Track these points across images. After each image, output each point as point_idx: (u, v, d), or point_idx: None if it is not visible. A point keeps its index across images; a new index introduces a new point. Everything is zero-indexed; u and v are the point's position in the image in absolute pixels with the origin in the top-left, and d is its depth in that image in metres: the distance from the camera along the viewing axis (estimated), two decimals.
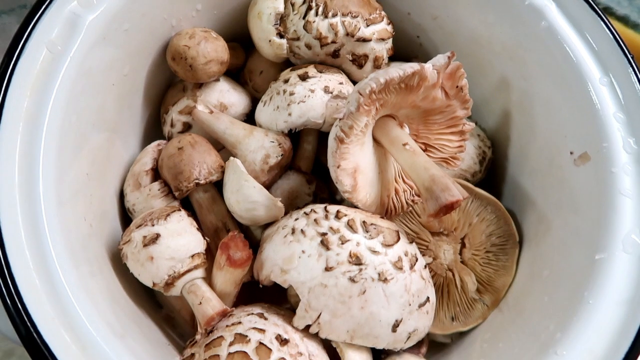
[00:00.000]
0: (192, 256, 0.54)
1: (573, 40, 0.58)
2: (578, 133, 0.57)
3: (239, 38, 0.72)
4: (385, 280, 0.51)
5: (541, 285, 0.58)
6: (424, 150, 0.59)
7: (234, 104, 0.68)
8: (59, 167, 0.48)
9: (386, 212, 0.60)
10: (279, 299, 0.59)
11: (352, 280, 0.50)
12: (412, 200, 0.61)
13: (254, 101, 0.69)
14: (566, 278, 0.54)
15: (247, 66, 0.73)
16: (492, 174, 0.72)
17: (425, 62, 0.53)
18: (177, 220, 0.55)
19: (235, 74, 0.73)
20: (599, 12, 0.57)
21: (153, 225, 0.53)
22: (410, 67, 0.51)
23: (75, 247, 0.48)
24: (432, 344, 0.64)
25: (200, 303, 0.53)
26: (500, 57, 0.66)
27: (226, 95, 0.67)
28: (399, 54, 0.70)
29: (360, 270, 0.50)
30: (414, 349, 0.59)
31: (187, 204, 0.62)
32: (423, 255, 0.62)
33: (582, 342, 0.47)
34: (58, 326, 0.42)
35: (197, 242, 0.55)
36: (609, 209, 0.52)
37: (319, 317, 0.50)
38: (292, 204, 0.63)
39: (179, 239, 0.54)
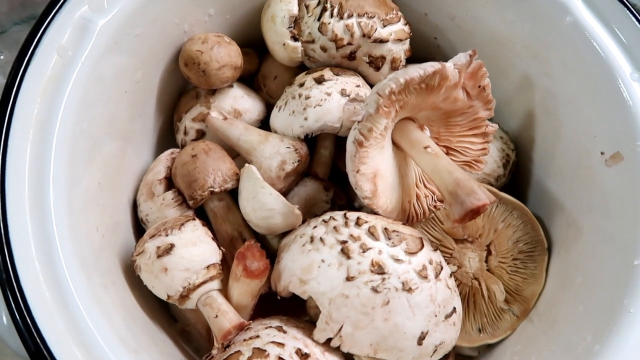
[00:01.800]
0: (208, 267, 0.52)
1: (600, 35, 0.55)
2: (609, 132, 0.55)
3: (252, 43, 0.71)
4: (409, 290, 0.48)
5: (574, 293, 0.55)
6: (446, 154, 0.57)
7: (248, 110, 0.66)
8: (70, 175, 0.47)
9: (407, 218, 0.58)
10: (298, 311, 0.57)
11: (374, 290, 0.48)
12: (435, 206, 0.59)
13: (269, 107, 0.68)
14: (602, 285, 0.51)
15: (261, 71, 0.72)
16: (516, 178, 0.70)
17: None
18: (192, 229, 0.53)
19: (249, 79, 0.72)
20: (627, 4, 0.55)
21: (167, 235, 0.52)
22: (430, 66, 0.50)
23: (87, 259, 0.47)
24: (458, 357, 0.61)
25: (217, 316, 0.51)
26: (522, 56, 0.64)
27: (240, 102, 0.66)
28: (415, 56, 0.67)
29: (383, 279, 0.48)
30: None
31: (201, 213, 0.61)
32: (447, 263, 0.60)
33: (623, 354, 0.44)
34: (69, 341, 0.40)
35: (212, 252, 0.53)
36: None
37: (340, 329, 0.48)
38: (310, 212, 0.62)
39: (194, 249, 0.52)
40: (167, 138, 0.69)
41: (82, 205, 0.49)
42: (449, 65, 0.51)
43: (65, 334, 0.40)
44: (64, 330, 0.40)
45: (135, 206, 0.62)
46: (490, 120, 0.57)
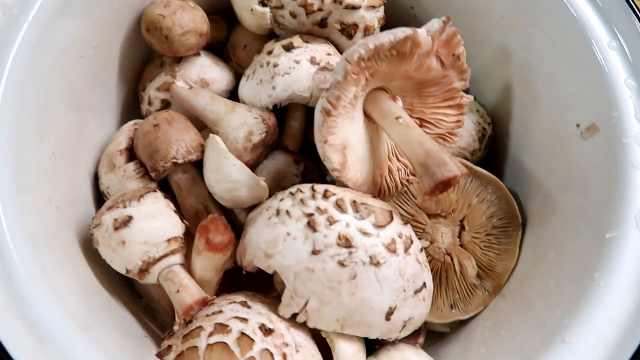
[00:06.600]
0: (168, 240, 0.51)
1: (578, 2, 0.53)
2: (585, 103, 0.53)
3: (221, 11, 0.68)
4: (377, 264, 0.47)
5: (546, 268, 0.54)
6: (420, 126, 0.55)
7: (215, 80, 0.64)
8: (17, 143, 0.44)
9: (379, 192, 0.56)
10: (266, 287, 0.55)
11: (341, 264, 0.46)
12: (407, 180, 0.58)
13: (239, 78, 0.65)
14: (574, 260, 0.50)
15: (230, 40, 0.69)
16: (492, 153, 0.68)
17: None
18: (152, 201, 0.51)
19: (219, 49, 0.70)
20: None
21: (125, 207, 0.50)
22: (401, 32, 0.48)
23: (37, 233, 0.45)
24: (430, 334, 0.61)
25: (178, 291, 0.50)
26: (500, 26, 0.62)
27: (207, 71, 0.63)
28: (390, 27, 0.64)
29: (350, 253, 0.47)
30: (411, 338, 0.55)
31: (166, 187, 0.58)
32: (419, 238, 0.59)
33: (592, 327, 0.43)
34: (10, 314, 0.38)
35: (173, 226, 0.52)
36: (620, 183, 0.48)
37: (306, 304, 0.47)
38: (279, 186, 0.60)
39: (154, 221, 0.50)
40: (132, 109, 0.66)
41: (33, 175, 0.46)
42: (422, 31, 0.49)
43: (7, 307, 0.38)
44: (4, 302, 0.38)
45: (97, 179, 0.59)
46: (466, 92, 0.55)
